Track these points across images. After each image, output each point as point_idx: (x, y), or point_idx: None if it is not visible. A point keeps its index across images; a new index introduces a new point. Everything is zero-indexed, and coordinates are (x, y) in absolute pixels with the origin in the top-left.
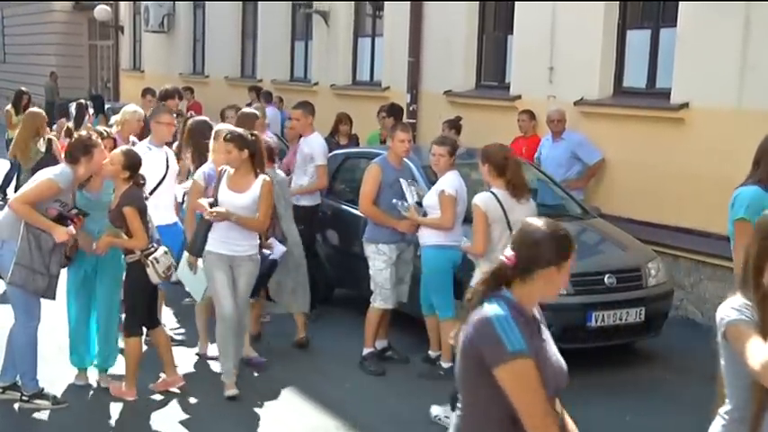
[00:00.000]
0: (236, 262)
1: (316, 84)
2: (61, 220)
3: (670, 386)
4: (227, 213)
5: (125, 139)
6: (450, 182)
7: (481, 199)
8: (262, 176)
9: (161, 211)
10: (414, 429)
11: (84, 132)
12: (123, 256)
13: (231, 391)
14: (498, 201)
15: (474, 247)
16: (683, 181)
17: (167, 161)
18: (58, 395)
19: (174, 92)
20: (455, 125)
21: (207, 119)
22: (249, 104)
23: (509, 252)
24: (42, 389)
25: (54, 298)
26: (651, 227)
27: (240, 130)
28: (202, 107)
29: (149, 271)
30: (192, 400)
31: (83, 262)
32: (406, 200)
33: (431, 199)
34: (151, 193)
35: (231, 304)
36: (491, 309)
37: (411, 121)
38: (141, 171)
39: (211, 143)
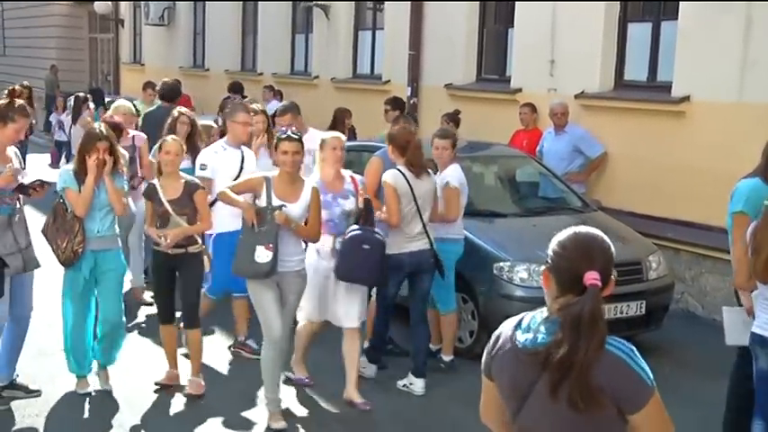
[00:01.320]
0: (287, 279)
1: (316, 77)
2: (22, 190)
3: (670, 379)
4: (289, 220)
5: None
6: (454, 174)
7: (390, 175)
8: (308, 182)
9: (230, 216)
10: (414, 422)
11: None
12: (177, 250)
13: (278, 424)
14: (404, 176)
15: (390, 219)
16: (683, 174)
17: (242, 162)
18: (61, 392)
19: (177, 90)
20: (454, 118)
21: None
22: (228, 98)
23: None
24: (14, 380)
25: (39, 266)
26: (652, 220)
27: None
28: (191, 99)
29: (206, 260)
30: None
31: (81, 265)
32: None
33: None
34: None
35: (281, 327)
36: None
37: (413, 114)
38: (209, 173)
39: (318, 153)
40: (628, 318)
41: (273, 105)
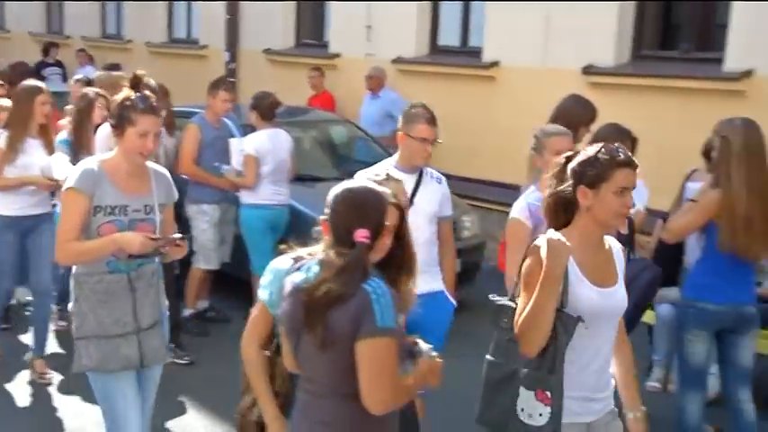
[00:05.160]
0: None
1: (129, 41)
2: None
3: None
4: None
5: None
6: (251, 141)
7: None
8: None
9: None
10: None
11: None
12: None
13: None
14: None
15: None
16: (494, 137)
17: (414, 194)
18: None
19: None
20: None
21: None
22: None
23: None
24: None
25: (166, 360)
26: (466, 181)
27: None
28: None
29: None
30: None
31: None
32: (227, 160)
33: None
34: None
35: None
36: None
37: (231, 80)
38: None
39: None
40: None
41: (88, 71)
